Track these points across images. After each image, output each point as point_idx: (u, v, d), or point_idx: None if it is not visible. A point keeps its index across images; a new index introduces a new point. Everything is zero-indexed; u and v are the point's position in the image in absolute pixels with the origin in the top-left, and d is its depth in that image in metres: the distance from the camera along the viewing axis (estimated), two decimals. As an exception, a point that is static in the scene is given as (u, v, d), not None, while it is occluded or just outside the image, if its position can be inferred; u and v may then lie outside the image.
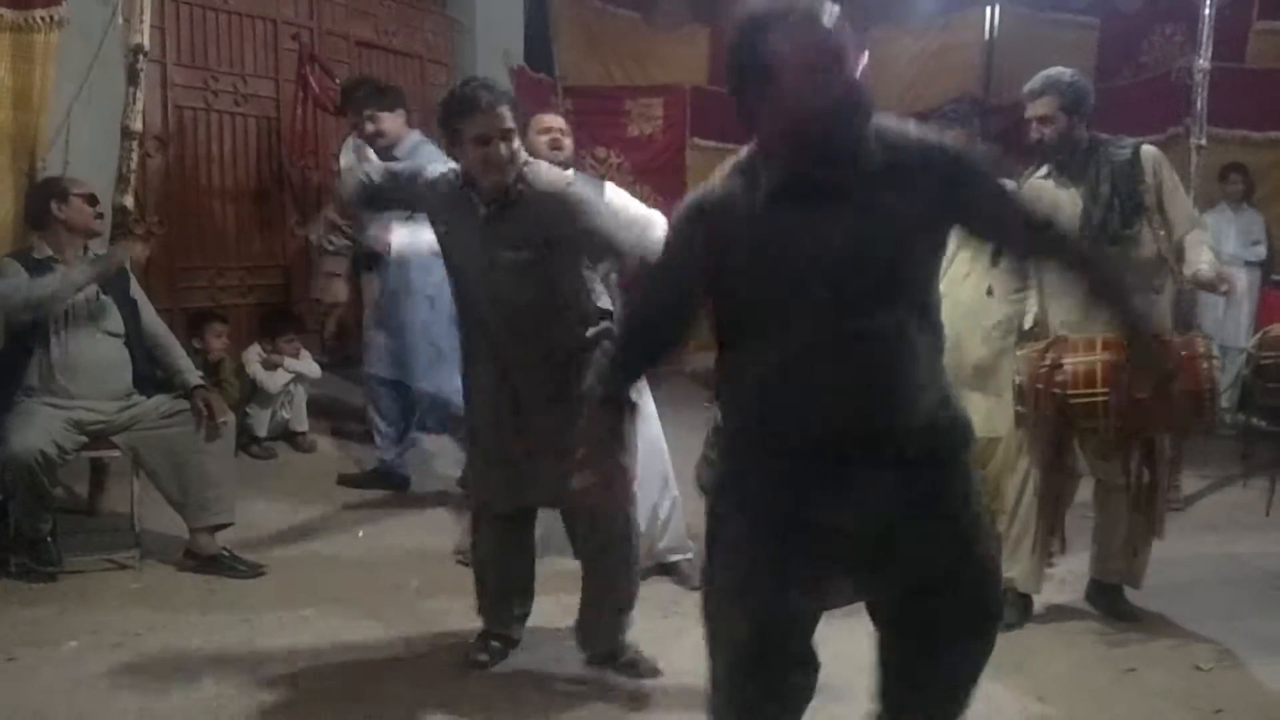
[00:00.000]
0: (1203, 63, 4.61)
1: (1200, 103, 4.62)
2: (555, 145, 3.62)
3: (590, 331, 2.84)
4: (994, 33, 7.88)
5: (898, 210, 1.75)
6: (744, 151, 1.86)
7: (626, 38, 7.83)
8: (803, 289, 1.76)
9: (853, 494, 1.79)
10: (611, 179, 5.26)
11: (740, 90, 1.78)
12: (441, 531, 4.26)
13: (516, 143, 2.71)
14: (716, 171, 1.90)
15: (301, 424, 5.22)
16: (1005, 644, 3.16)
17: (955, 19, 7.92)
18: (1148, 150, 3.28)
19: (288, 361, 5.12)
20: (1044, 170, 3.35)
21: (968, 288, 3.51)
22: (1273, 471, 3.79)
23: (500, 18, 7.35)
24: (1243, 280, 6.47)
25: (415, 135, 4.50)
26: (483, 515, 3.05)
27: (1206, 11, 4.59)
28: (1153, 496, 3.15)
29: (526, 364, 2.82)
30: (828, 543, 1.81)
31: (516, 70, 7.11)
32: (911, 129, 1.84)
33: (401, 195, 3.04)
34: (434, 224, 2.93)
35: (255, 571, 3.76)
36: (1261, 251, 6.52)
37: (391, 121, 4.39)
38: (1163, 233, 3.21)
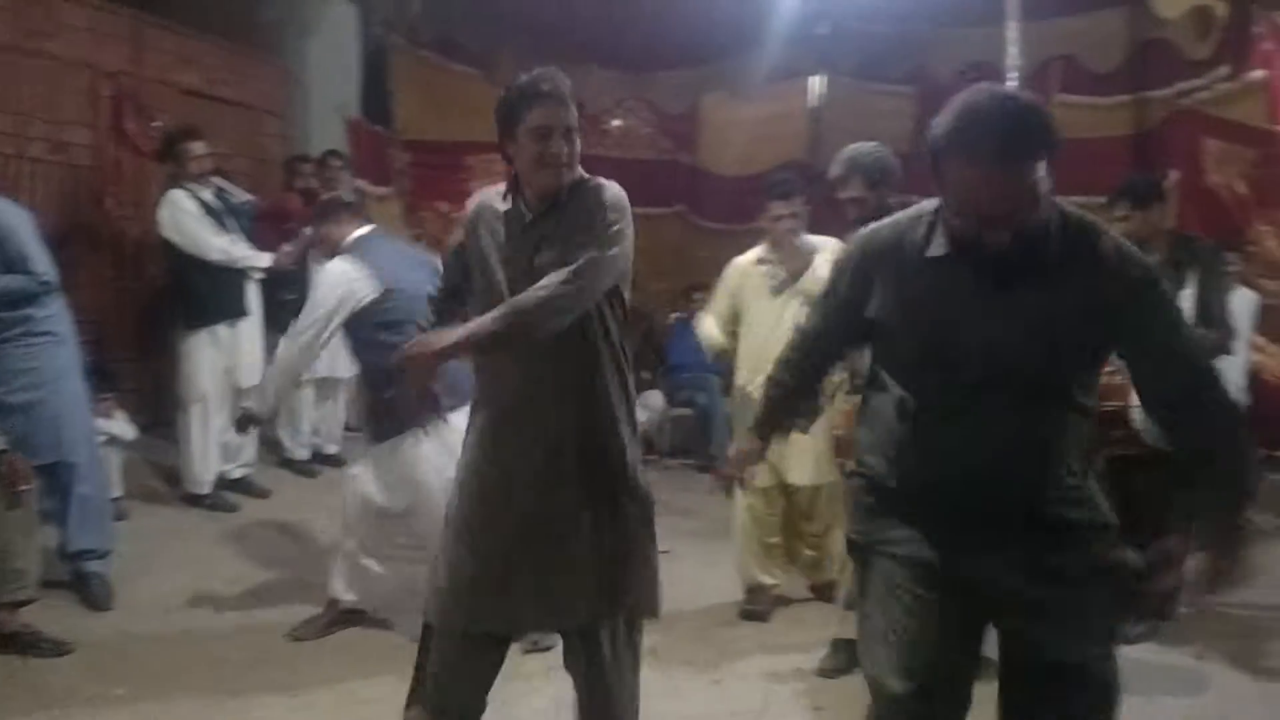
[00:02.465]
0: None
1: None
2: None
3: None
4: (819, 101, 8.27)
5: (1064, 307, 1.78)
6: (931, 202, 1.92)
7: (467, 94, 7.82)
8: (946, 356, 1.83)
9: (979, 559, 1.86)
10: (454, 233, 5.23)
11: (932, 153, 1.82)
12: (264, 602, 4.07)
13: (577, 144, 2.37)
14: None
15: (115, 489, 4.90)
16: (839, 689, 3.28)
17: (782, 87, 8.27)
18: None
19: (99, 422, 4.82)
20: None
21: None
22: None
23: (335, 70, 7.25)
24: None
25: None
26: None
27: (1011, 84, 4.96)
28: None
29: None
30: (967, 599, 1.88)
31: (353, 122, 7.02)
32: (1113, 234, 1.85)
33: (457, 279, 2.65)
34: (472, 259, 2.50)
35: (60, 649, 3.50)
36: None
37: None
38: None
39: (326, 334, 3.63)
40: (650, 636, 3.76)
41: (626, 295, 2.43)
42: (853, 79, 8.22)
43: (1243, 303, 6.01)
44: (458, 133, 7.58)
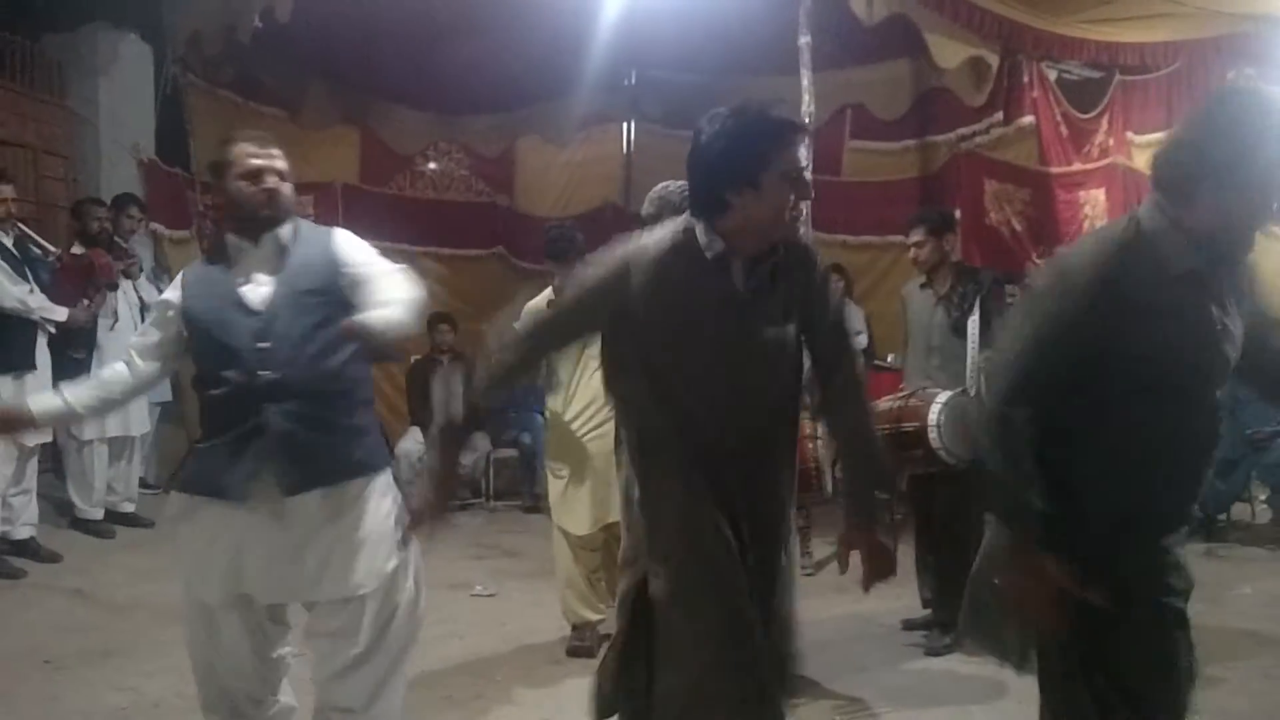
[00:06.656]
0: (807, 175, 5.23)
1: (805, 210, 5.20)
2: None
3: None
4: (630, 146, 8.48)
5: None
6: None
7: (271, 134, 7.61)
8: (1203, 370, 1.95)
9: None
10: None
11: None
12: (60, 671, 3.77)
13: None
14: None
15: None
16: None
17: (595, 133, 8.43)
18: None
19: None
20: None
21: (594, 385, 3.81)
22: (892, 533, 4.21)
23: (127, 110, 6.91)
24: (852, 367, 7.30)
25: None
26: None
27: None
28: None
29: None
30: None
31: (147, 163, 6.70)
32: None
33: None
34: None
35: None
36: (863, 340, 7.37)
37: None
38: None
39: None
40: (476, 678, 3.75)
41: None
42: (660, 126, 8.48)
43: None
44: (262, 174, 7.36)
